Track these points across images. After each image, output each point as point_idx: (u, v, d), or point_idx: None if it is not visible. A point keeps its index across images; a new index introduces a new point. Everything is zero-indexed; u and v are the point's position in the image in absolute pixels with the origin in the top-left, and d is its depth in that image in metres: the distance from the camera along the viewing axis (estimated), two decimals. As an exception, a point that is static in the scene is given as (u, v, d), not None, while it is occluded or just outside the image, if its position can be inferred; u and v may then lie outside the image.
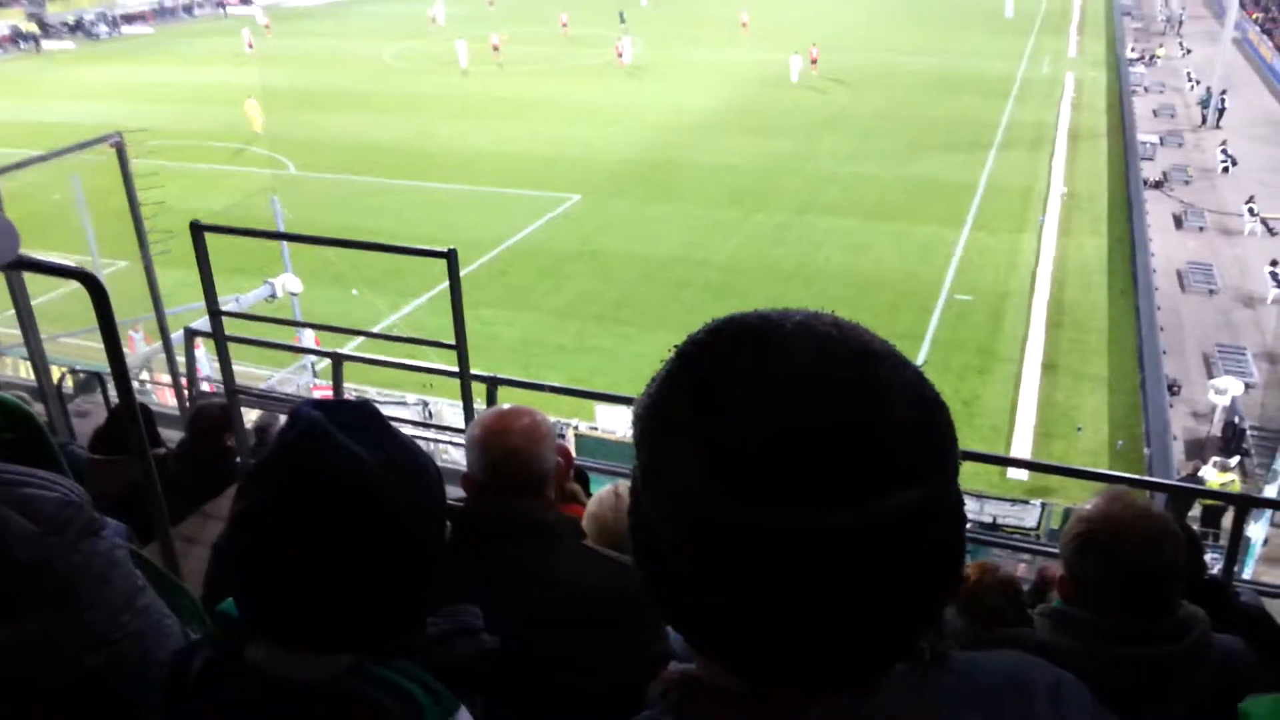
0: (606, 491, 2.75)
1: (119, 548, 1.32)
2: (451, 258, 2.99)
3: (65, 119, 36.59)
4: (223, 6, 74.57)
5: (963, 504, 0.80)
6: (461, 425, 4.72)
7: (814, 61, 44.19)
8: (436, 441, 9.61)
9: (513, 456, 2.08)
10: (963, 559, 0.80)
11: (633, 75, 45.67)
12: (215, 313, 3.71)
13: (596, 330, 20.52)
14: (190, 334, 6.49)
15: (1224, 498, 12.06)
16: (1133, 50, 45.43)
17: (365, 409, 1.28)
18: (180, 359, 7.53)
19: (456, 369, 4.19)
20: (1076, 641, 2.06)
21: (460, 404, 4.39)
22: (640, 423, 0.81)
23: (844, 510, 0.70)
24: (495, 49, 49.08)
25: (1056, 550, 2.34)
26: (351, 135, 36.02)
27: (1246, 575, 10.34)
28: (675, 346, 0.82)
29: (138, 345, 15.20)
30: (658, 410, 0.79)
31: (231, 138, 35.30)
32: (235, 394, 4.17)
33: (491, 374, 5.69)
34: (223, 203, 27.52)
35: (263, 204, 19.09)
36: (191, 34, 63.36)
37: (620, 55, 47.85)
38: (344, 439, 1.20)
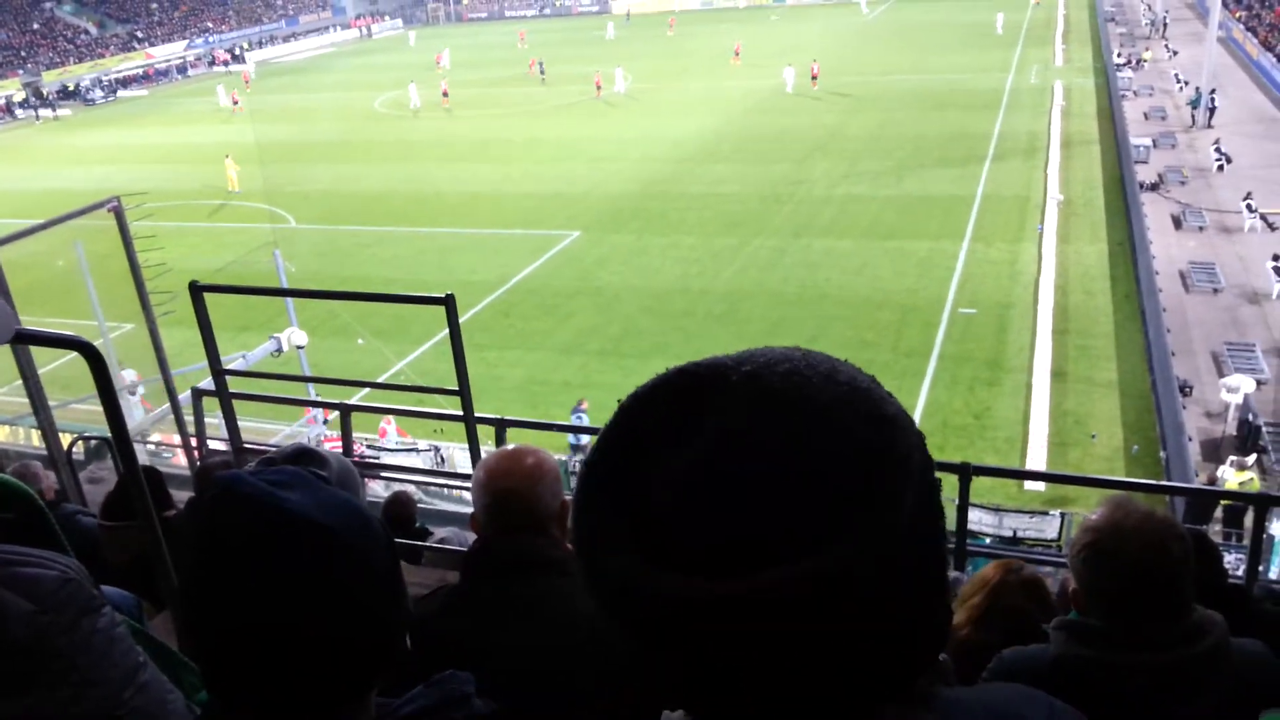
0: None
1: (119, 624, 1.31)
2: (449, 303, 3.00)
3: (65, 185, 36.95)
4: (214, 64, 75.36)
5: (920, 561, 0.75)
6: (470, 470, 4.72)
7: (814, 78, 44.76)
8: (448, 487, 9.60)
9: (515, 496, 2.10)
10: (928, 619, 0.77)
11: (619, 108, 46.01)
12: (219, 372, 3.72)
13: (600, 365, 20.53)
14: (197, 394, 6.50)
15: (1241, 498, 11.97)
16: (1119, 55, 45.66)
17: (286, 467, 1.26)
18: (189, 419, 7.54)
19: (461, 413, 4.20)
20: (1091, 652, 2.05)
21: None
22: (578, 475, 0.81)
23: (737, 579, 0.68)
24: (444, 95, 49.35)
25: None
26: (348, 185, 36.30)
27: (1273, 575, 10.24)
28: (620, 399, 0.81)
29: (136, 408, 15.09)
30: (588, 464, 0.79)
31: (227, 197, 35.59)
32: (243, 452, 4.18)
33: (498, 416, 5.68)
34: (225, 260, 27.70)
35: (265, 259, 19.23)
36: (184, 94, 64.01)
37: (599, 88, 48.38)
38: (267, 488, 1.17)
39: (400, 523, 5.26)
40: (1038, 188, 29.86)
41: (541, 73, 55.18)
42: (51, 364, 8.23)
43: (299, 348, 15.07)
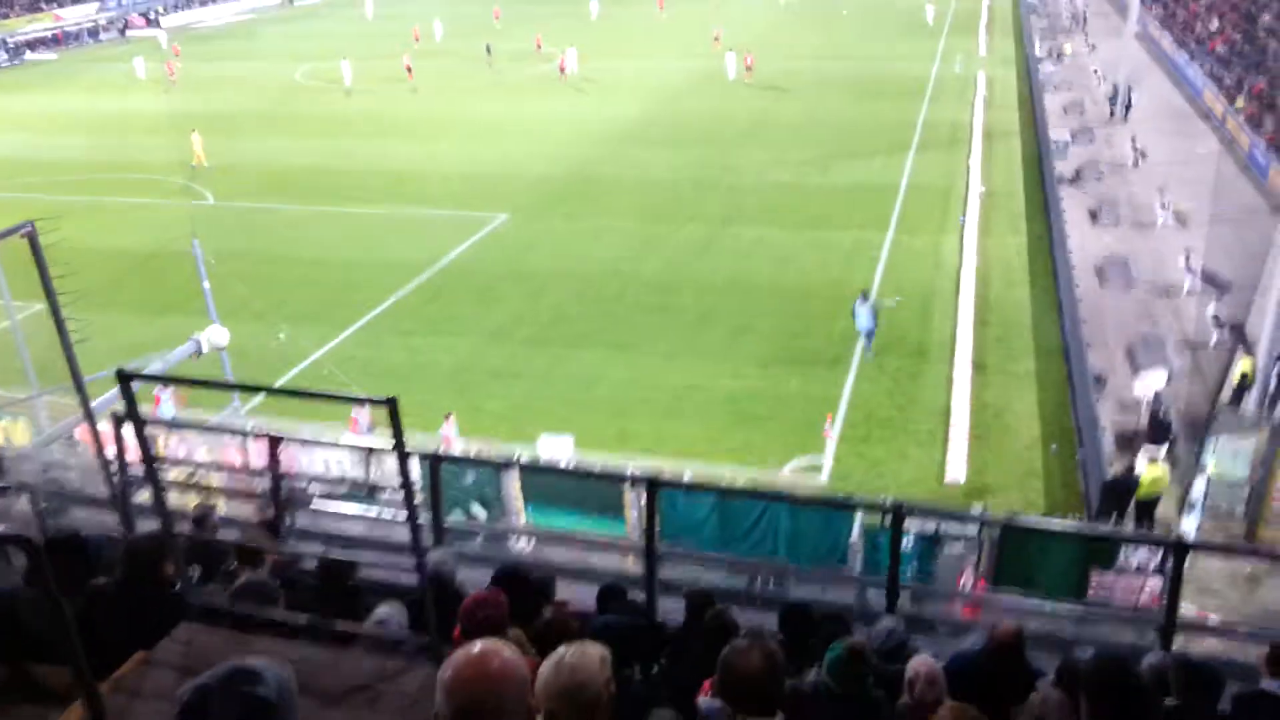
0: (562, 651, 2.49)
1: None
2: (392, 406, 2.90)
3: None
4: (124, 30, 72.35)
5: None
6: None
7: (749, 68, 44.62)
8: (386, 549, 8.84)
9: (479, 707, 2.02)
10: None
11: (556, 91, 45.41)
12: (149, 460, 3.52)
13: (530, 353, 20.33)
14: (119, 420, 6.29)
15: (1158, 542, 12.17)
16: (1040, 48, 46.51)
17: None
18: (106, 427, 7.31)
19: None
20: None
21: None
22: None
23: None
24: (408, 70, 47.37)
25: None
26: (270, 160, 35.33)
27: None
28: None
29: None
30: None
31: (147, 170, 34.26)
32: (160, 485, 3.95)
33: (433, 452, 5.57)
34: (142, 240, 26.74)
35: (184, 245, 18.54)
36: (96, 59, 61.39)
37: (562, 71, 47.15)
38: None
39: (337, 589, 4.98)
40: (961, 178, 30.39)
41: (489, 53, 51.82)
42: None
43: (220, 349, 14.55)
